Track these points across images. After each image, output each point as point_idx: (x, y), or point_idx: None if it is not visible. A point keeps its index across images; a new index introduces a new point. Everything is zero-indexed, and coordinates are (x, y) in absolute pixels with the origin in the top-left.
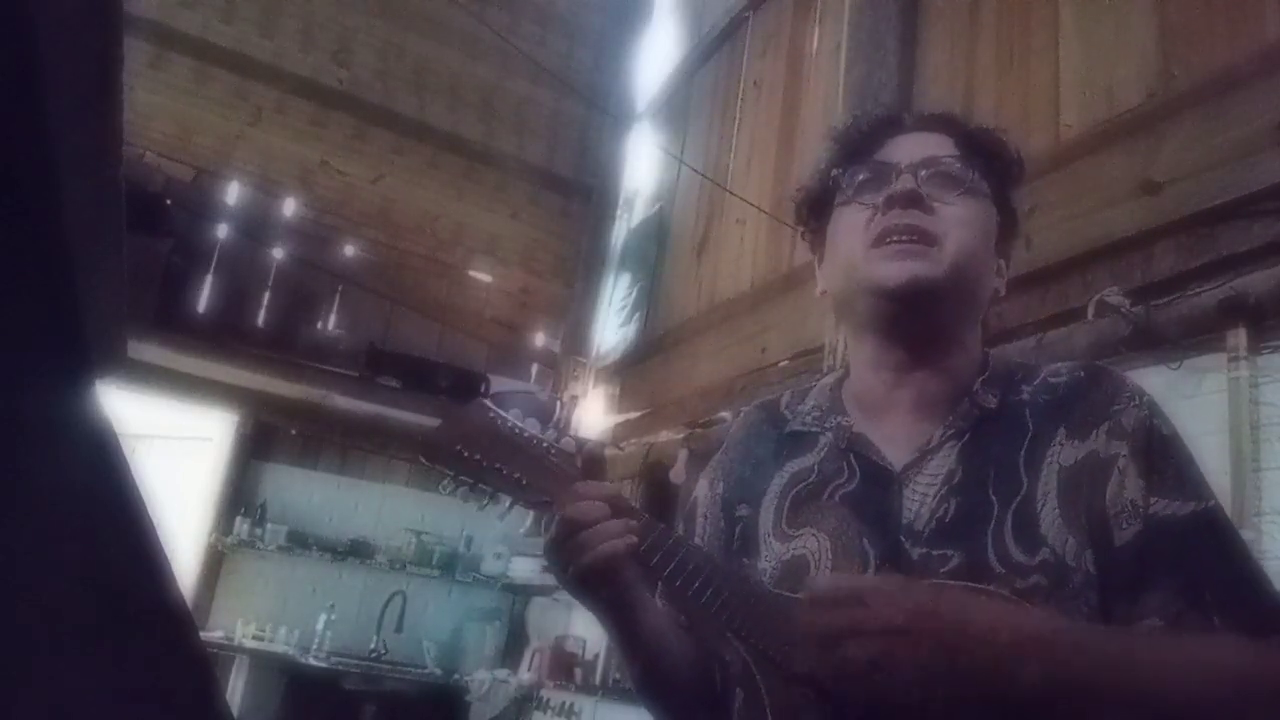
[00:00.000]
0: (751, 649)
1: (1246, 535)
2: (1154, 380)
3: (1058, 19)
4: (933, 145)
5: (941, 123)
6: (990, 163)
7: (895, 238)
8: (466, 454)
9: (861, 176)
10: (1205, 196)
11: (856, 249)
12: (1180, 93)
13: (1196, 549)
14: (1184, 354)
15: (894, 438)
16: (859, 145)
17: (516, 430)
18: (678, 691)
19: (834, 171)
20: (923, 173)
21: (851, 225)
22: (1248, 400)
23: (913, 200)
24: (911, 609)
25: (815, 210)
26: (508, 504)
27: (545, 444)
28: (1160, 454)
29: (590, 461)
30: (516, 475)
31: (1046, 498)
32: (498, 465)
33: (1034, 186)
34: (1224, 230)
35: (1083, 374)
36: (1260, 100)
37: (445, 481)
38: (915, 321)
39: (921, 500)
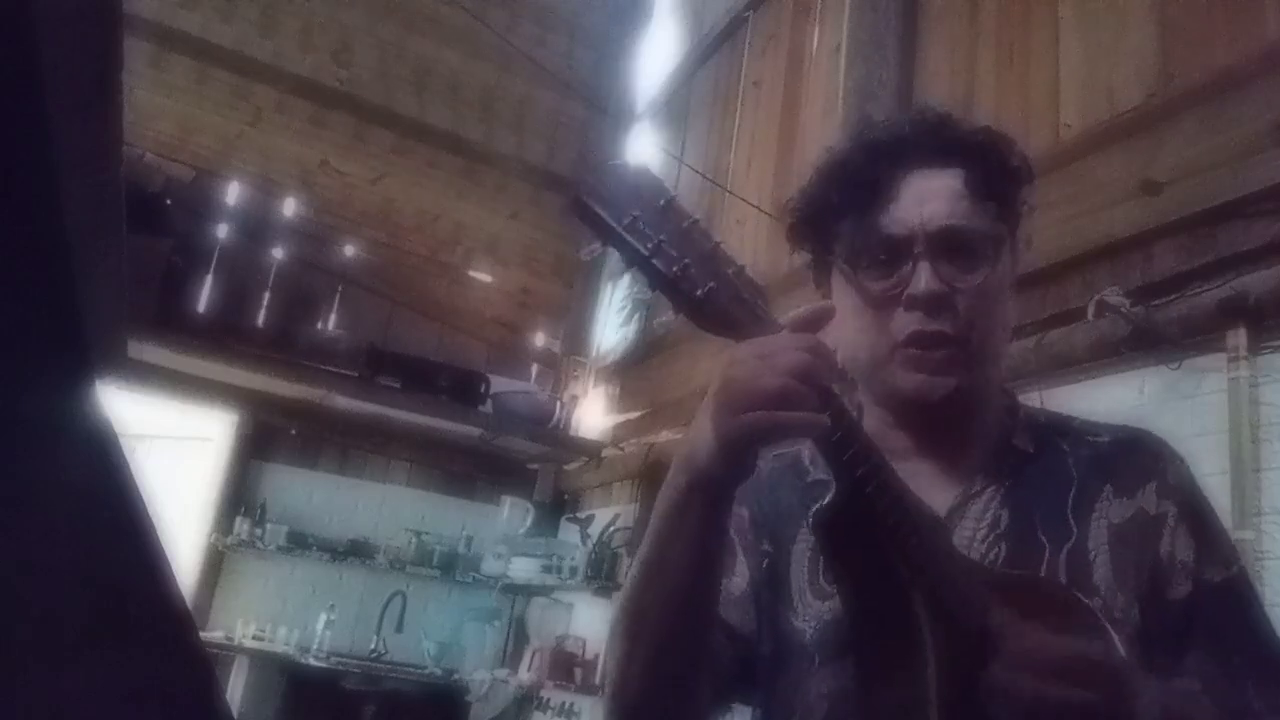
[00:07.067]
0: (926, 588)
1: (1246, 535)
2: (1154, 380)
3: (1058, 19)
4: (946, 197)
5: (947, 149)
6: (1006, 189)
7: (923, 344)
8: (640, 223)
9: (871, 251)
10: (1205, 196)
11: (879, 347)
12: (1180, 93)
13: (1231, 613)
14: (1184, 354)
15: (925, 482)
16: (860, 189)
17: (701, 229)
18: (689, 635)
19: (838, 227)
20: (940, 248)
21: (868, 315)
22: (1248, 400)
23: (938, 305)
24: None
25: (816, 259)
26: (671, 310)
27: (734, 265)
28: (1204, 515)
29: (815, 317)
30: (704, 281)
31: (1099, 551)
32: (682, 258)
33: (1034, 186)
34: (1224, 230)
35: (1124, 434)
36: (1260, 100)
37: (595, 244)
38: (942, 415)
39: (969, 544)
